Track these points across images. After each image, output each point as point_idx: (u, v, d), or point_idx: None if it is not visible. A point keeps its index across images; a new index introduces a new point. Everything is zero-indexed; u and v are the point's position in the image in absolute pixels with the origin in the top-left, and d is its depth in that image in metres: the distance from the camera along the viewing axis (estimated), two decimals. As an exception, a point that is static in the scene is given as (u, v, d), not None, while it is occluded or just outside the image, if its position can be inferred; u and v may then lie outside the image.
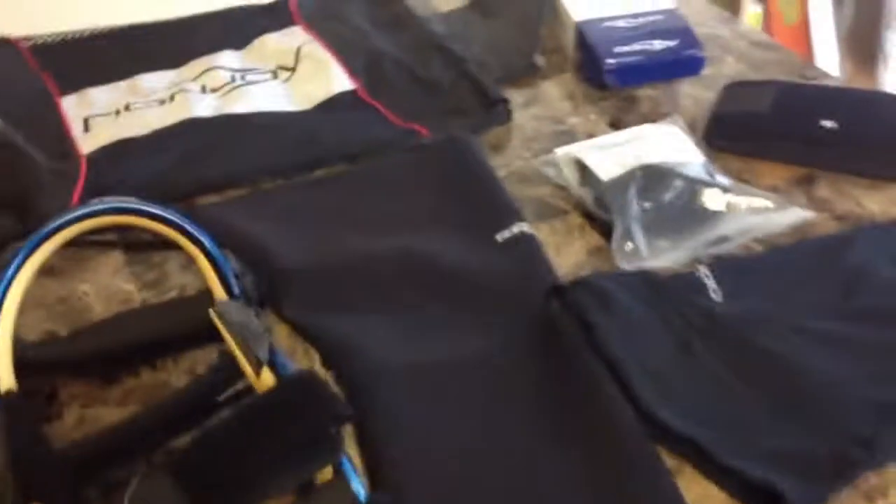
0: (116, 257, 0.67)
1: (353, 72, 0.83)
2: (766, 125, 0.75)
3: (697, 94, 0.83)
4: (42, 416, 0.52)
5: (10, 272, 0.54)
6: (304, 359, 0.59)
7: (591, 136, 0.78)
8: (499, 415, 0.55)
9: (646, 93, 0.84)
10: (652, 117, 0.80)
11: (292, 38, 0.89)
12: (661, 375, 0.56)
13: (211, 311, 0.48)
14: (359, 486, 0.42)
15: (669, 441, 0.53)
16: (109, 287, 0.64)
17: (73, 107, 0.81)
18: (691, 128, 0.77)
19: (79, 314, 0.62)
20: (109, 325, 0.60)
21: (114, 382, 0.57)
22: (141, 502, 0.38)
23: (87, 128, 0.79)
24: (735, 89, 0.79)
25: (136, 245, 0.67)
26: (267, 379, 0.46)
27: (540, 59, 0.88)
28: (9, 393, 0.48)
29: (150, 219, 0.57)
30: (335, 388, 0.56)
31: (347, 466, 0.42)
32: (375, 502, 0.42)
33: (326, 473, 0.42)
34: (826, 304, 0.61)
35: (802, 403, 0.55)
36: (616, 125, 0.80)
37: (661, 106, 0.82)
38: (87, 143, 0.76)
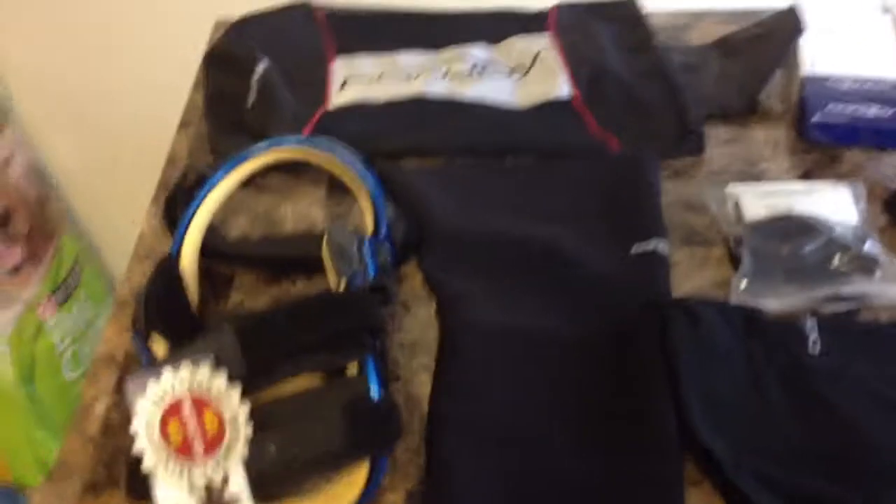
0: (320, 191, 0.80)
1: (576, 82, 0.91)
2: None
3: (906, 166, 0.82)
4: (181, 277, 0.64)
5: (215, 178, 0.69)
6: (423, 305, 0.69)
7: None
8: (559, 394, 0.62)
9: (852, 154, 0.84)
10: (847, 179, 0.81)
11: (537, 43, 0.98)
12: (719, 397, 0.60)
13: (326, 230, 0.60)
14: (375, 387, 0.51)
15: (696, 452, 0.57)
16: (304, 212, 0.78)
17: (340, 67, 0.97)
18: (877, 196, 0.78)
19: (273, 226, 0.76)
20: (286, 238, 0.74)
21: (275, 283, 0.71)
22: (207, 344, 0.50)
23: (343, 87, 0.93)
24: (937, 168, 0.78)
25: (339, 185, 0.80)
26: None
27: (769, 103, 0.91)
28: (170, 255, 0.62)
29: (332, 157, 0.70)
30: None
31: (371, 368, 0.52)
32: (380, 403, 0.51)
33: (353, 368, 0.52)
34: (918, 383, 0.61)
35: (847, 461, 0.57)
36: (805, 179, 0.81)
37: (862, 170, 0.82)
38: (335, 99, 0.91)
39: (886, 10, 0.98)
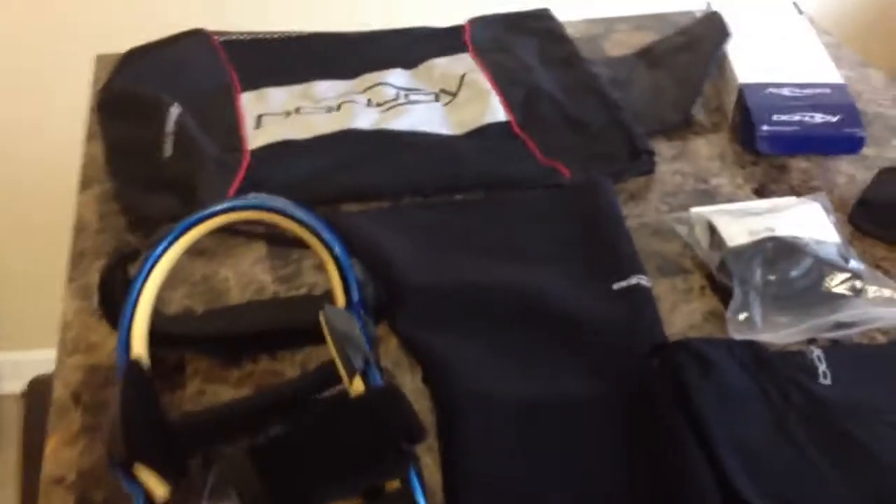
0: (260, 249, 0.72)
1: (509, 104, 0.86)
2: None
3: (854, 172, 0.81)
4: (154, 386, 0.55)
5: (158, 250, 0.59)
6: (408, 372, 0.62)
7: (732, 199, 0.78)
8: (577, 459, 0.56)
9: (799, 164, 0.83)
10: (800, 190, 0.79)
11: (459, 65, 0.92)
12: (749, 446, 0.56)
13: (320, 314, 0.52)
14: (422, 501, 0.44)
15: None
16: (248, 275, 0.70)
17: (249, 103, 0.88)
18: (840, 207, 0.76)
19: (217, 296, 0.68)
20: (238, 310, 0.65)
21: (234, 364, 0.62)
22: (221, 479, 0.42)
23: (258, 125, 0.85)
24: (891, 174, 0.77)
25: (279, 240, 0.72)
26: (358, 386, 0.49)
27: (700, 115, 0.89)
28: (137, 360, 0.53)
29: (291, 219, 0.62)
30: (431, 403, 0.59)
31: (415, 481, 0.45)
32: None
33: (394, 483, 0.45)
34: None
35: (887, 500, 0.54)
36: (761, 192, 0.80)
37: (812, 179, 0.81)
38: (255, 139, 0.82)
39: (801, 10, 0.98)
